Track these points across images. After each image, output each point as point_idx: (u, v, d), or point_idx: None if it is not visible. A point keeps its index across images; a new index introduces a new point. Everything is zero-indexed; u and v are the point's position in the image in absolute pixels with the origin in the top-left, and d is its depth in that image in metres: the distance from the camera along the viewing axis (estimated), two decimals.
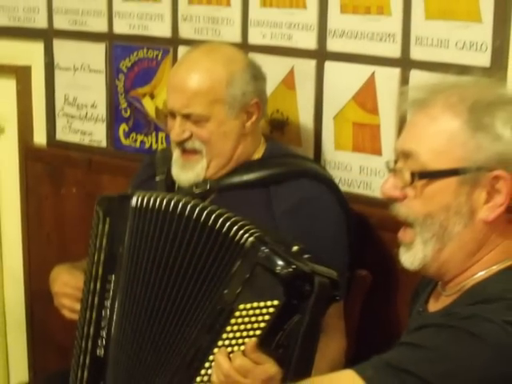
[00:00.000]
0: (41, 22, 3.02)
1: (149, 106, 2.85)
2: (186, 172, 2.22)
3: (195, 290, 1.89)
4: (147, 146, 2.86)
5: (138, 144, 2.89)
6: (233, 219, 1.90)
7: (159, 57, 2.78)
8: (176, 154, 2.23)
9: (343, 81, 2.38)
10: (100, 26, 2.88)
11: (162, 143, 2.82)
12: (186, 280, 1.90)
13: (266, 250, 1.81)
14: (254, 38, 2.53)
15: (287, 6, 2.44)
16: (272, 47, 2.48)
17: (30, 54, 3.08)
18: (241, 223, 1.89)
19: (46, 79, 3.06)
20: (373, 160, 2.36)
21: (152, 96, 2.84)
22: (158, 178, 2.31)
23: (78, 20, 2.93)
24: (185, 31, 2.68)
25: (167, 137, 2.72)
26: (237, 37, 2.54)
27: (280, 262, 1.78)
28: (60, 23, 2.98)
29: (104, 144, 2.96)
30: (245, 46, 2.48)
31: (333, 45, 2.38)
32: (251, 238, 1.85)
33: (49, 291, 2.29)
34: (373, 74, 2.33)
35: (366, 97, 2.35)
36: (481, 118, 1.50)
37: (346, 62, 2.37)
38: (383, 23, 2.28)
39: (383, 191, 1.60)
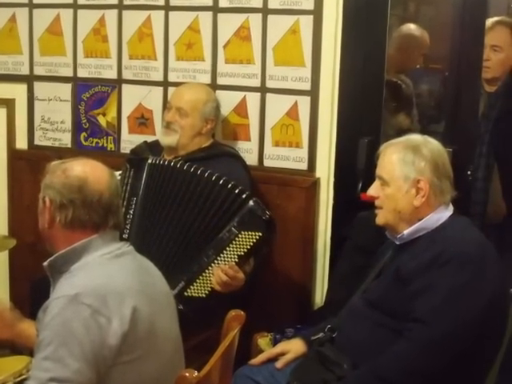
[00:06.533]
0: (24, 71, 3.24)
1: (102, 120, 3.18)
2: (167, 137, 2.67)
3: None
4: (100, 145, 3.15)
5: (94, 144, 3.18)
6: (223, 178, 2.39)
7: (109, 90, 3.14)
8: (163, 129, 2.68)
9: (230, 99, 2.85)
10: (67, 73, 3.17)
11: (110, 143, 3.13)
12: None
13: (252, 203, 2.35)
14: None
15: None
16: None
17: (16, 91, 3.26)
18: (225, 178, 2.39)
19: (28, 107, 3.24)
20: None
21: (104, 114, 3.17)
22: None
23: (52, 69, 3.20)
24: (126, 75, 3.08)
25: (114, 139, 3.08)
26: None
27: (263, 211, 2.34)
28: (38, 71, 3.21)
29: (70, 146, 3.22)
30: None
31: (221, 81, 2.90)
32: (244, 195, 2.35)
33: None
34: (245, 96, 2.86)
35: (241, 109, 2.86)
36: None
37: (231, 90, 2.86)
38: (251, 68, 2.83)
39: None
